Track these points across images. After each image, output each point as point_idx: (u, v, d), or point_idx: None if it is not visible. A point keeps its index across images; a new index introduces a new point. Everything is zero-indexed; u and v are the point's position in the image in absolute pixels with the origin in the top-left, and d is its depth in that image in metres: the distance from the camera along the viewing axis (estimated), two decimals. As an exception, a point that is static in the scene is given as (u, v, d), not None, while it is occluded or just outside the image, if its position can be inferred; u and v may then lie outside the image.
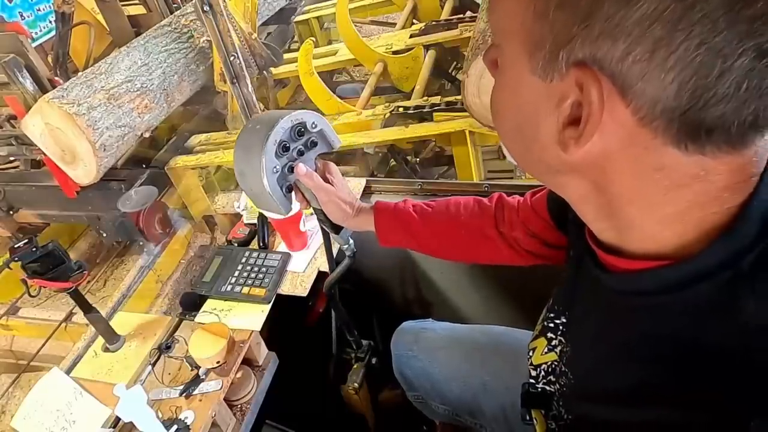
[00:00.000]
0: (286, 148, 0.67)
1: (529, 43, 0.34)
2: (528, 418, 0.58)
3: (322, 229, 0.86)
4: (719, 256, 0.33)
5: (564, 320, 0.55)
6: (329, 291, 1.00)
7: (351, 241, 0.86)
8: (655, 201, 0.34)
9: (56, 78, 1.63)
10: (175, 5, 2.10)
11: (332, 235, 0.83)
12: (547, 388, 0.56)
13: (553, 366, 0.55)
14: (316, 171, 0.74)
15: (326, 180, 0.76)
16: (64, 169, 1.60)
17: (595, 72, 0.30)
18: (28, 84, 1.52)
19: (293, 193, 0.73)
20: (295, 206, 1.02)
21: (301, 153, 0.70)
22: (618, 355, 0.41)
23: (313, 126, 0.69)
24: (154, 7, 2.04)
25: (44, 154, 1.60)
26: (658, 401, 0.36)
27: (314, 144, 0.71)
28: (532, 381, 0.59)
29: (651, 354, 0.37)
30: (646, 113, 0.30)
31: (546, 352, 0.57)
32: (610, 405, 0.41)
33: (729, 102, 0.28)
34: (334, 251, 0.97)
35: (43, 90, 1.57)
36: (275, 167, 0.66)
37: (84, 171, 1.57)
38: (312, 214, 1.15)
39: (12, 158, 2.01)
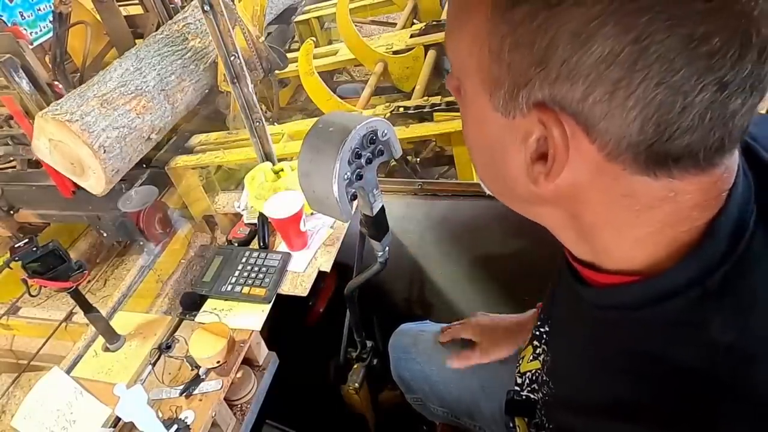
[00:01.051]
0: (358, 156, 0.65)
1: (488, 82, 0.34)
2: (512, 425, 0.59)
3: (360, 232, 0.85)
4: (688, 273, 0.33)
5: (547, 329, 0.55)
6: (351, 293, 0.99)
7: (387, 249, 0.84)
8: (627, 225, 0.34)
9: (55, 82, 1.64)
10: (173, 5, 2.10)
11: (372, 241, 0.82)
12: (531, 396, 0.56)
13: (537, 374, 0.55)
14: (376, 179, 0.72)
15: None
16: (79, 183, 1.62)
17: (556, 113, 0.30)
18: (24, 84, 1.53)
19: (354, 201, 0.71)
20: (297, 204, 1.03)
21: (369, 161, 0.68)
22: (594, 367, 0.41)
23: (384, 134, 0.68)
24: (151, 7, 2.04)
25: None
26: (633, 417, 0.36)
27: (381, 153, 0.69)
28: (516, 388, 0.59)
29: (625, 368, 0.37)
30: (611, 149, 0.30)
31: (531, 360, 0.57)
32: (588, 417, 0.41)
33: (694, 132, 0.28)
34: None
35: (40, 91, 1.57)
36: (346, 174, 0.64)
37: (95, 179, 1.58)
38: (313, 213, 1.16)
39: (11, 158, 2.01)
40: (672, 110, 0.27)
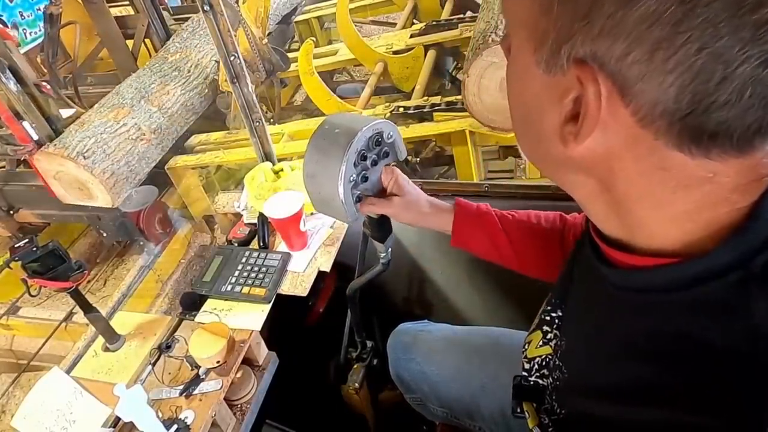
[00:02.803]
0: (363, 158, 0.65)
1: (535, 36, 0.34)
2: (519, 411, 0.58)
3: (363, 233, 0.85)
4: (730, 256, 0.32)
5: (560, 313, 0.55)
6: (353, 293, 0.99)
7: (389, 250, 0.83)
8: (663, 200, 0.34)
9: (43, 83, 1.65)
10: (162, 6, 2.12)
11: (375, 242, 0.82)
12: (540, 381, 0.56)
13: (547, 359, 0.55)
14: (380, 180, 0.73)
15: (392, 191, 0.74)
16: (94, 204, 1.67)
17: (594, 70, 0.30)
18: (12, 85, 1.54)
19: (359, 202, 0.71)
20: (297, 204, 1.03)
21: (374, 163, 0.68)
22: (617, 351, 0.40)
23: (389, 136, 0.68)
24: (142, 8, 2.05)
25: (28, 154, 1.64)
26: (658, 402, 0.35)
27: (386, 155, 0.69)
28: (524, 374, 0.58)
29: (652, 352, 0.37)
30: (645, 114, 0.30)
31: (540, 346, 0.56)
32: (605, 402, 0.40)
33: (732, 109, 0.27)
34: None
35: (27, 91, 1.58)
36: (352, 176, 0.64)
37: (96, 189, 1.60)
38: (312, 213, 1.16)
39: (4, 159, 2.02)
40: (711, 80, 0.27)
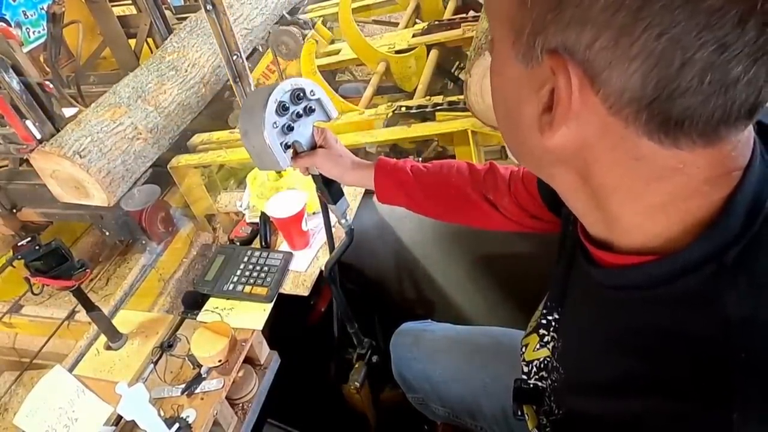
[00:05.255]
0: (285, 108, 0.72)
1: (512, 30, 0.34)
2: (520, 413, 0.59)
3: (320, 201, 0.88)
4: (704, 250, 0.33)
5: (556, 316, 0.56)
6: (329, 272, 0.99)
7: (348, 217, 0.88)
8: (636, 192, 0.35)
9: (46, 82, 1.64)
10: (165, 5, 2.13)
11: (330, 207, 0.86)
12: (539, 383, 0.57)
13: (546, 362, 0.55)
14: (312, 137, 0.79)
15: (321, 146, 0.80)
16: (91, 203, 1.66)
17: (565, 60, 0.31)
18: (15, 84, 1.54)
19: (291, 150, 0.78)
20: (299, 203, 1.03)
21: (299, 115, 0.75)
22: (608, 348, 0.41)
23: (312, 93, 0.75)
24: (144, 7, 2.06)
25: (31, 153, 1.64)
26: (645, 394, 0.36)
27: (312, 110, 0.76)
28: (524, 377, 0.59)
29: (639, 347, 0.38)
30: (614, 102, 0.31)
31: (538, 349, 0.57)
32: (599, 399, 0.41)
33: (694, 95, 0.28)
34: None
35: (30, 90, 1.58)
36: (274, 122, 0.71)
37: (92, 188, 1.60)
38: (314, 213, 1.16)
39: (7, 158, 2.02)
40: (671, 65, 0.27)
